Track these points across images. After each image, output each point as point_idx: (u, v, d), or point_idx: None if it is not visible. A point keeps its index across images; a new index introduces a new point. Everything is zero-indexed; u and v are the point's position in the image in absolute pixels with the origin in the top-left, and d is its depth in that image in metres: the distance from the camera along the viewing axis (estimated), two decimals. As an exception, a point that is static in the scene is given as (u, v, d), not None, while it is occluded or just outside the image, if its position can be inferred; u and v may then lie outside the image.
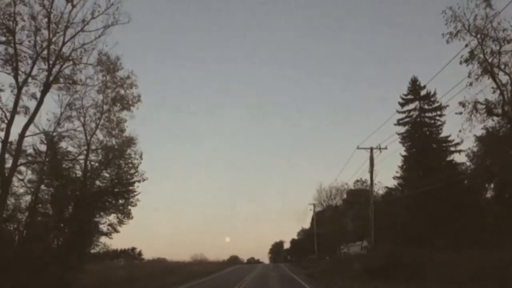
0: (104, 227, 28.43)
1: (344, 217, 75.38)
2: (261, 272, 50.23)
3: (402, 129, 39.93)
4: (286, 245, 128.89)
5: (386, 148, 32.48)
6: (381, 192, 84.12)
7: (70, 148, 26.87)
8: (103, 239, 66.59)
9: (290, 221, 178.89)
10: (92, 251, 73.12)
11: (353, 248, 74.03)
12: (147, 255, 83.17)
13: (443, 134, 38.75)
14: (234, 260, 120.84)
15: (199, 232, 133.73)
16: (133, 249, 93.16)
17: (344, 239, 74.74)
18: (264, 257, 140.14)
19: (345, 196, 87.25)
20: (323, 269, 38.57)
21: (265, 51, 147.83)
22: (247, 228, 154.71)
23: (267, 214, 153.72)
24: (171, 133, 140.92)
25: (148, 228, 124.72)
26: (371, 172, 32.02)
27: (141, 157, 28.20)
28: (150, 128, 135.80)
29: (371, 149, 32.44)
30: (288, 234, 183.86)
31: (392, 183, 44.03)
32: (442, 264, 24.11)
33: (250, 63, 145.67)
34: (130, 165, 28.05)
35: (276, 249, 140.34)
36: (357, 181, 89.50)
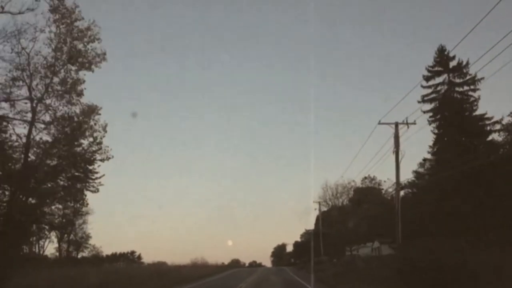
0: (54, 218, 22.03)
1: (351, 216, 68.92)
2: (261, 276, 43.84)
3: (427, 106, 33.78)
4: (289, 248, 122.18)
5: (414, 123, 26.07)
6: (391, 190, 78.04)
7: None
8: (92, 241, 61.21)
9: (292, 224, 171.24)
10: (82, 254, 67.32)
11: (362, 250, 67.76)
12: (149, 258, 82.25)
13: (478, 112, 32.54)
14: (235, 263, 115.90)
15: (201, 236, 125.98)
16: (133, 252, 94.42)
17: (352, 240, 68.64)
18: (267, 261, 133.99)
19: (351, 194, 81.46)
20: (334, 273, 32.23)
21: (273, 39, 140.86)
22: (250, 231, 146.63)
23: (269, 218, 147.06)
24: (172, 133, 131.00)
25: (151, 232, 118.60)
26: (396, 152, 25.59)
27: (104, 129, 21.91)
28: (151, 129, 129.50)
29: (396, 124, 26.03)
30: (290, 237, 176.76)
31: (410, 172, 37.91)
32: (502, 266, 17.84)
33: (256, 55, 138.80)
34: (91, 140, 21.77)
35: (279, 252, 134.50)
36: (365, 178, 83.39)
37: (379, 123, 26.51)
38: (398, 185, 26.03)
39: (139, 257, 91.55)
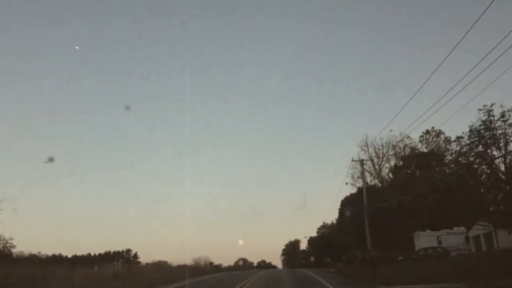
0: None
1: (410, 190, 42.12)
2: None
3: None
4: (303, 245, 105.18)
5: None
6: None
7: None
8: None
9: (306, 219, 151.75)
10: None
11: (447, 239, 39.29)
12: (152, 258, 78.75)
13: None
14: (239, 263, 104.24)
15: (212, 235, 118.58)
16: (128, 251, 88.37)
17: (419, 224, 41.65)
18: (277, 260, 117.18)
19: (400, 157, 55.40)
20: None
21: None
22: (260, 230, 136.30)
23: (280, 214, 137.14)
24: (177, 131, 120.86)
25: (158, 231, 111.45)
26: None
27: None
28: (159, 125, 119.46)
29: None
30: (304, 233, 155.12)
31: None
32: None
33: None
34: None
35: (291, 250, 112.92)
36: (427, 132, 55.02)
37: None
38: None
39: (136, 256, 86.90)
